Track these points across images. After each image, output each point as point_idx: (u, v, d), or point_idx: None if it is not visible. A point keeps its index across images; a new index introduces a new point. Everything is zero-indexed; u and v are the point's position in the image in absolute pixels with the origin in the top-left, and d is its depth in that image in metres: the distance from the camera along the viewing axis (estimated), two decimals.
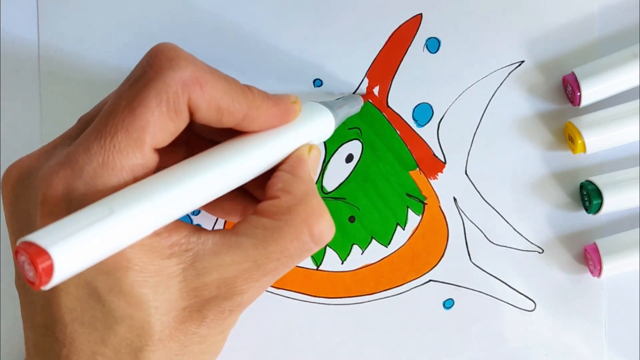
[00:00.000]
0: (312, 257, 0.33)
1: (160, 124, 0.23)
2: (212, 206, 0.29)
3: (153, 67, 0.23)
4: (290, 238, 0.24)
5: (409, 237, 0.33)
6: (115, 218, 0.20)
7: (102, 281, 0.23)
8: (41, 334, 0.24)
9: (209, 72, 0.24)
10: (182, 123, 0.24)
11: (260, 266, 0.24)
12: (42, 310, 0.24)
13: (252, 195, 0.29)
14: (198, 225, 0.24)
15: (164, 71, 0.23)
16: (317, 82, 0.33)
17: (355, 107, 0.31)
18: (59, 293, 0.23)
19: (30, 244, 0.19)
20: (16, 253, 0.19)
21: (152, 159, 0.23)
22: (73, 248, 0.19)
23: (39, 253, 0.18)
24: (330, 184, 0.33)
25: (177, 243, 0.23)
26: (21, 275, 0.24)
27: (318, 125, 0.28)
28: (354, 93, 0.33)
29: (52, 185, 0.22)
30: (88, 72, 0.33)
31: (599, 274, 0.32)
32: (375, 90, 0.33)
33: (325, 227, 0.25)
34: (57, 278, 0.19)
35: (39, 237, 0.19)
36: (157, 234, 0.23)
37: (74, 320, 0.23)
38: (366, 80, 0.33)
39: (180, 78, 0.23)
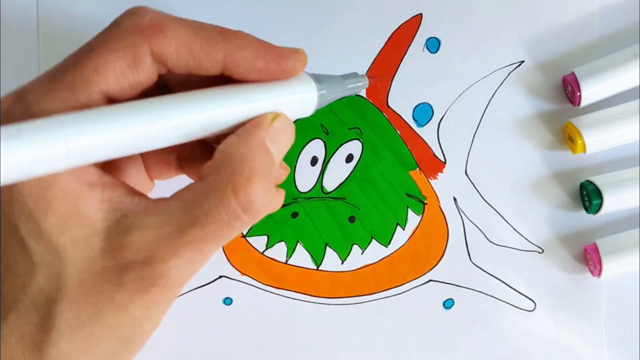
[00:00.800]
0: (312, 257, 0.33)
1: (115, 70, 0.22)
2: (189, 169, 0.27)
3: (117, 19, 0.23)
4: (215, 201, 0.22)
5: (409, 237, 0.33)
6: (22, 136, 0.19)
7: (24, 222, 0.22)
8: None
9: (174, 18, 0.23)
10: (145, 74, 0.22)
11: (183, 232, 0.22)
12: None
13: None
14: (140, 195, 0.23)
15: (125, 21, 0.22)
16: None
17: (354, 86, 0.27)
18: None
19: None
20: None
21: (101, 104, 0.22)
22: None
23: None
24: (330, 184, 0.33)
25: (109, 199, 0.22)
26: None
27: (294, 92, 0.24)
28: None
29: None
30: (86, 32, 0.33)
31: (599, 274, 0.32)
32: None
33: (255, 191, 0.22)
34: None
35: None
36: (91, 185, 0.22)
37: (1, 264, 0.23)
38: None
39: (140, 24, 0.22)
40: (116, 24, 0.23)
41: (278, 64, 0.23)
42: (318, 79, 0.25)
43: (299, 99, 0.24)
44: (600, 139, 0.31)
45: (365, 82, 0.27)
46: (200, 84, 0.24)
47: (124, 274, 0.22)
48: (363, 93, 0.33)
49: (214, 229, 0.22)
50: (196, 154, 0.27)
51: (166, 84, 0.25)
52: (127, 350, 0.24)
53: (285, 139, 0.24)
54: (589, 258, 0.32)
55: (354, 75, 0.27)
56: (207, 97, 0.23)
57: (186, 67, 0.23)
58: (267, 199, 0.22)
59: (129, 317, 0.23)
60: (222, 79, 0.24)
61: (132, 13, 0.23)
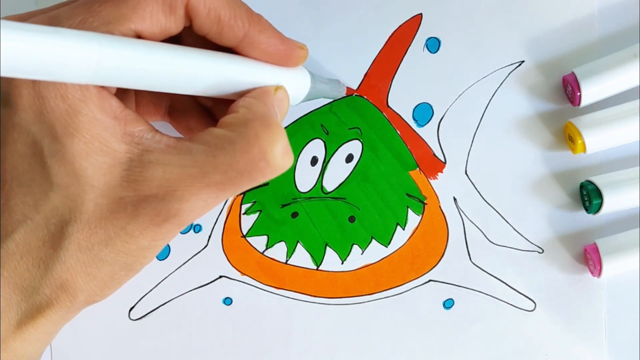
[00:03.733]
0: (312, 257, 0.33)
1: (152, 12, 0.23)
2: (180, 119, 0.29)
3: None
4: (240, 151, 0.23)
5: (409, 237, 0.33)
6: (59, 35, 0.20)
7: (48, 143, 0.22)
8: None
9: None
10: (175, 22, 0.24)
11: (205, 174, 0.23)
12: None
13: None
14: (160, 132, 0.24)
15: None
16: None
17: (335, 91, 0.31)
18: (6, 147, 0.23)
19: None
20: None
21: None
22: (11, 37, 0.18)
23: None
24: (330, 184, 0.33)
25: (131, 133, 0.23)
26: None
27: (292, 78, 0.27)
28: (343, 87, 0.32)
29: None
30: None
31: (599, 274, 0.32)
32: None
33: (279, 148, 0.23)
34: None
35: None
36: (115, 117, 0.23)
37: (13, 179, 0.23)
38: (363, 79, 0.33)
39: None
40: None
41: (287, 53, 0.26)
42: (312, 75, 0.29)
43: (295, 85, 0.27)
44: (600, 139, 0.31)
45: (343, 92, 0.32)
46: (208, 48, 0.25)
47: (140, 206, 0.23)
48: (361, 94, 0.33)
49: (235, 177, 0.23)
50: (187, 107, 0.29)
51: (177, 37, 0.26)
52: (125, 275, 0.25)
53: (285, 108, 0.26)
54: (589, 258, 0.32)
55: (336, 81, 0.31)
56: (227, 59, 0.25)
57: (207, 31, 0.24)
58: (288, 157, 0.24)
59: (137, 246, 0.24)
60: (227, 50, 0.26)
61: None
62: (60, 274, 0.24)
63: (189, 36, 0.26)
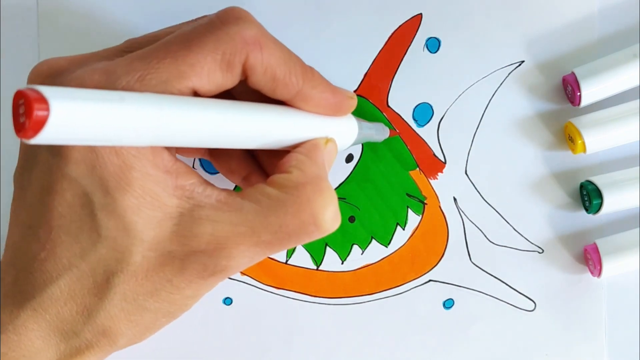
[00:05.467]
0: (312, 257, 0.33)
1: (209, 70, 0.23)
2: (221, 160, 0.29)
3: (220, 18, 0.24)
4: (292, 214, 0.23)
5: (409, 237, 0.33)
6: (124, 104, 0.20)
7: (99, 196, 0.22)
8: (23, 234, 0.24)
9: (272, 39, 0.24)
10: (231, 79, 0.24)
11: (255, 234, 0.23)
12: (31, 208, 0.24)
13: (260, 167, 0.29)
14: (211, 186, 0.24)
15: (230, 24, 0.23)
16: None
17: (380, 135, 0.31)
18: (54, 195, 0.23)
19: (33, 91, 0.18)
20: (16, 97, 0.18)
21: None
22: (73, 108, 0.18)
23: (38, 100, 0.18)
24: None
25: (182, 187, 0.23)
26: (21, 167, 0.25)
27: (341, 127, 0.28)
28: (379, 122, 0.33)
29: (84, 86, 0.22)
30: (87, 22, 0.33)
31: (599, 274, 0.32)
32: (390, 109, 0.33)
33: (329, 214, 0.24)
34: (48, 132, 0.18)
35: (43, 88, 0.18)
36: (166, 171, 0.23)
37: (60, 227, 0.23)
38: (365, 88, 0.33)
39: (244, 35, 0.23)
40: (220, 24, 0.24)
41: (338, 106, 0.27)
42: (358, 121, 0.29)
43: (343, 134, 0.28)
44: (600, 139, 0.31)
45: (387, 134, 0.32)
46: (256, 99, 0.26)
47: (188, 260, 0.23)
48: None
49: (283, 238, 0.24)
50: (230, 149, 0.29)
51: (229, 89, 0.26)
52: (166, 321, 0.25)
53: (333, 159, 0.27)
54: (589, 258, 0.32)
55: (380, 125, 0.31)
56: (280, 114, 0.25)
57: (262, 87, 0.25)
58: (337, 221, 0.24)
59: (181, 296, 0.24)
60: (276, 101, 0.26)
61: (239, 18, 0.24)
62: (104, 321, 0.24)
63: (242, 88, 0.26)
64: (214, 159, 0.30)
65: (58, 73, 0.24)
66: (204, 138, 0.23)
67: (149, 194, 0.23)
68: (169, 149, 0.24)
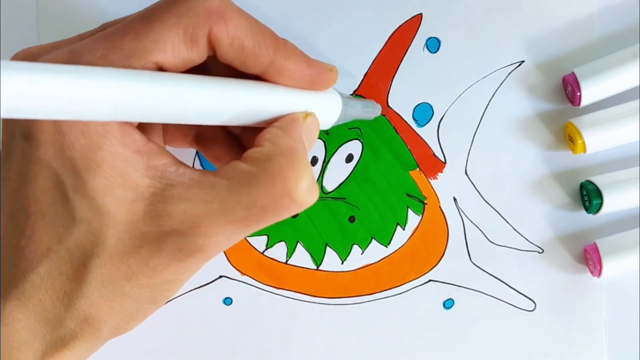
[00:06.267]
0: (312, 257, 0.33)
1: (173, 45, 0.23)
2: (207, 147, 0.29)
3: None
4: (264, 187, 0.23)
5: (409, 237, 0.33)
6: (79, 74, 0.20)
7: (70, 178, 0.22)
8: (5, 223, 0.24)
9: (237, 9, 0.24)
10: (198, 53, 0.23)
11: (228, 211, 0.23)
12: (11, 197, 0.24)
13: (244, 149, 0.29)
14: (184, 165, 0.24)
15: None
16: None
17: (369, 113, 0.30)
18: (29, 182, 0.23)
19: None
20: None
21: None
22: (25, 78, 0.18)
23: None
24: (330, 184, 0.33)
25: (155, 167, 0.23)
26: (2, 158, 0.25)
27: (323, 103, 0.26)
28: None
29: None
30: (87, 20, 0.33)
31: (599, 274, 0.32)
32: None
33: (304, 185, 0.23)
34: (5, 102, 0.18)
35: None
36: (137, 151, 0.23)
37: (36, 212, 0.23)
38: (363, 81, 0.33)
39: (206, 6, 0.23)
40: None
41: (315, 78, 0.26)
42: (342, 97, 0.28)
43: (325, 109, 0.27)
44: (600, 139, 0.31)
45: (378, 112, 0.31)
46: (233, 75, 0.25)
47: (163, 241, 0.23)
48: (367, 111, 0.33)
49: (258, 213, 0.23)
50: (215, 135, 0.29)
51: (203, 66, 0.25)
52: (149, 309, 0.25)
53: (314, 135, 0.26)
54: (589, 258, 0.32)
55: (370, 103, 0.30)
56: (252, 87, 0.24)
57: (231, 60, 0.24)
58: (313, 193, 0.24)
59: (160, 280, 0.24)
60: (254, 77, 0.25)
61: None
62: (84, 308, 0.24)
63: (214, 64, 0.25)
64: (200, 147, 0.29)
65: (33, 58, 0.24)
66: (166, 112, 0.22)
67: (119, 174, 0.22)
68: (145, 126, 0.24)
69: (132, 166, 0.23)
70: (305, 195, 0.23)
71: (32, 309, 0.24)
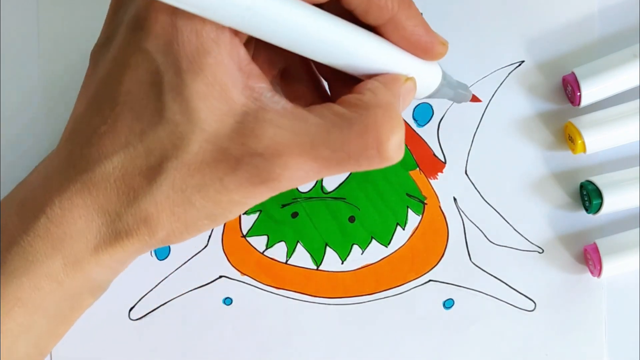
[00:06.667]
0: (312, 257, 0.33)
1: None
2: (290, 82, 0.28)
3: None
4: (356, 132, 0.22)
5: (409, 237, 0.33)
6: None
7: (170, 75, 0.22)
8: (88, 106, 0.24)
9: None
10: None
11: (314, 147, 0.22)
12: (101, 82, 0.24)
13: (328, 99, 0.28)
14: (279, 94, 0.24)
15: None
16: None
17: (461, 96, 0.29)
18: (127, 69, 0.23)
19: None
20: None
21: None
22: None
23: None
24: (330, 184, 0.33)
25: (252, 88, 0.23)
26: (100, 44, 0.24)
27: (424, 72, 0.26)
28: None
29: None
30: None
31: (599, 274, 0.32)
32: None
33: (395, 141, 0.23)
34: None
35: None
36: (240, 68, 0.23)
37: (125, 102, 0.23)
38: None
39: None
40: None
41: (428, 46, 0.25)
42: (443, 72, 0.28)
43: (425, 79, 0.26)
44: (600, 139, 0.31)
45: (469, 97, 0.30)
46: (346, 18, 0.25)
47: (243, 161, 0.23)
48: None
49: (342, 157, 0.23)
50: (300, 74, 0.28)
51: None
52: (207, 225, 0.25)
53: (409, 100, 0.25)
54: (589, 258, 0.32)
55: (465, 86, 0.29)
56: (370, 38, 0.24)
57: (355, 6, 0.24)
58: (400, 151, 0.23)
59: (228, 198, 0.23)
60: (368, 28, 0.25)
61: None
62: (148, 207, 0.23)
63: (332, 7, 0.25)
64: (283, 83, 0.29)
65: None
66: (288, 37, 0.22)
67: (219, 83, 0.22)
68: (246, 47, 0.23)
69: (232, 80, 0.22)
70: (393, 151, 0.23)
71: (95, 197, 0.23)
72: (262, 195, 0.24)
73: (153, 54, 0.22)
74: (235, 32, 0.22)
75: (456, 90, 0.29)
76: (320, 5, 0.23)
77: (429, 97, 0.28)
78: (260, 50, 0.27)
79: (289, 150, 0.22)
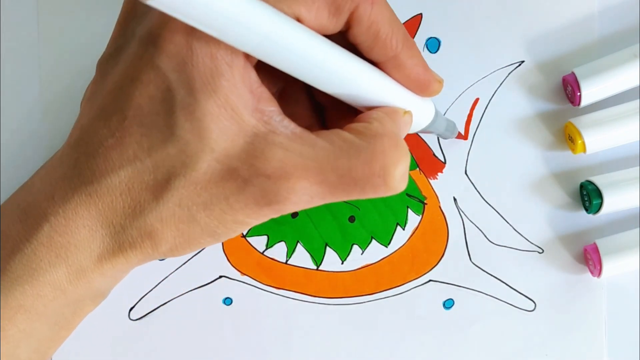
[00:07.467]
0: (312, 257, 0.33)
1: (319, 7, 0.23)
2: (289, 102, 0.28)
3: None
4: (363, 160, 0.23)
5: (409, 237, 0.33)
6: None
7: (182, 94, 0.22)
8: (95, 118, 0.24)
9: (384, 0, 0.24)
10: (335, 24, 0.24)
11: (321, 172, 0.23)
12: (110, 94, 0.24)
13: (323, 124, 0.29)
14: (289, 119, 0.24)
15: None
16: None
17: (449, 133, 0.31)
18: (138, 84, 0.23)
19: None
20: None
21: None
22: None
23: None
24: None
25: (262, 111, 0.23)
26: (108, 55, 0.25)
27: (420, 107, 0.27)
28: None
29: None
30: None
31: (599, 274, 0.32)
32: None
33: (400, 170, 0.23)
34: None
35: None
36: (251, 91, 0.23)
37: (135, 117, 0.23)
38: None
39: None
40: None
41: (426, 84, 0.26)
42: (436, 110, 0.29)
43: (419, 114, 0.27)
44: (600, 139, 0.31)
45: (455, 135, 0.32)
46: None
47: (250, 182, 0.23)
48: None
49: (348, 183, 0.23)
50: (298, 96, 0.29)
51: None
52: (209, 242, 0.25)
53: (406, 132, 0.26)
54: (589, 258, 0.32)
55: (453, 123, 0.31)
56: (374, 72, 0.25)
57: (360, 41, 0.25)
58: (404, 182, 0.24)
59: (232, 218, 0.24)
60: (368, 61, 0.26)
61: None
62: (153, 222, 0.24)
63: (337, 39, 0.25)
64: (282, 100, 0.29)
65: None
66: (300, 65, 0.23)
67: (231, 105, 0.22)
68: (257, 71, 0.24)
69: (243, 103, 0.23)
70: (397, 181, 0.24)
71: (100, 209, 0.24)
72: (266, 216, 0.24)
73: (166, 71, 0.23)
74: (247, 56, 0.23)
75: (446, 127, 0.30)
76: (326, 37, 0.24)
77: (421, 131, 0.29)
78: (261, 69, 0.28)
79: (296, 173, 0.23)
